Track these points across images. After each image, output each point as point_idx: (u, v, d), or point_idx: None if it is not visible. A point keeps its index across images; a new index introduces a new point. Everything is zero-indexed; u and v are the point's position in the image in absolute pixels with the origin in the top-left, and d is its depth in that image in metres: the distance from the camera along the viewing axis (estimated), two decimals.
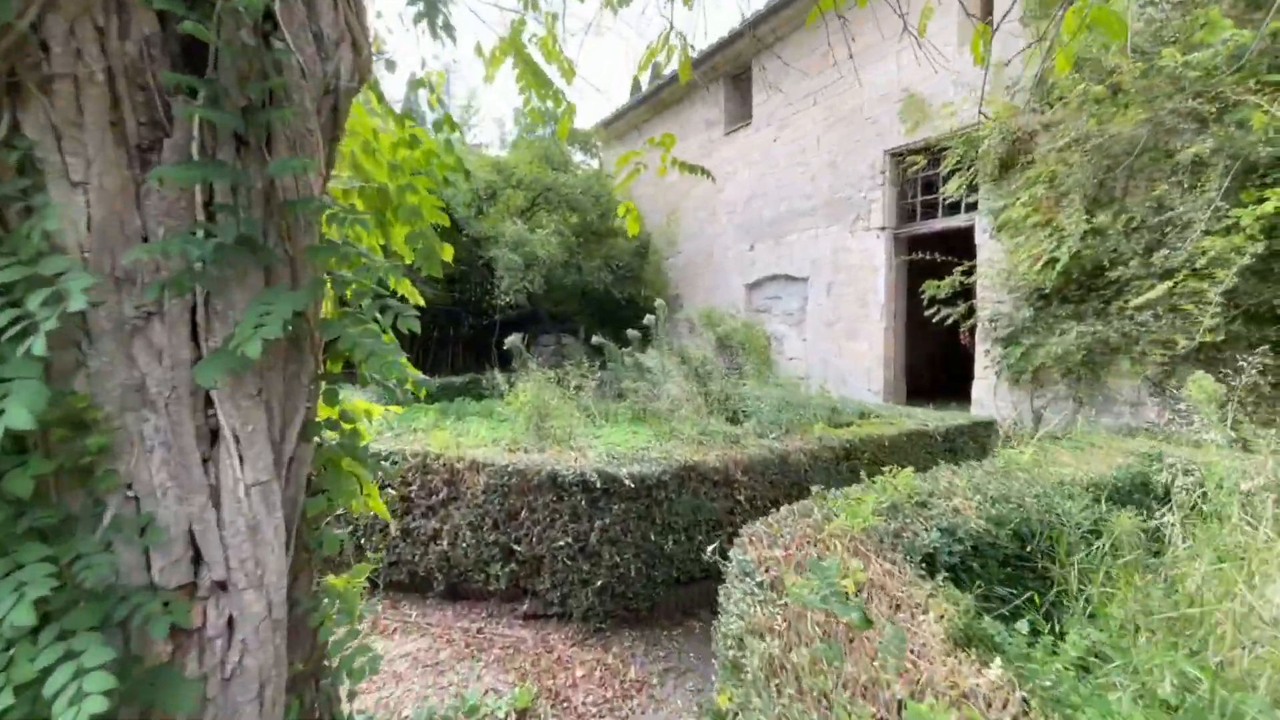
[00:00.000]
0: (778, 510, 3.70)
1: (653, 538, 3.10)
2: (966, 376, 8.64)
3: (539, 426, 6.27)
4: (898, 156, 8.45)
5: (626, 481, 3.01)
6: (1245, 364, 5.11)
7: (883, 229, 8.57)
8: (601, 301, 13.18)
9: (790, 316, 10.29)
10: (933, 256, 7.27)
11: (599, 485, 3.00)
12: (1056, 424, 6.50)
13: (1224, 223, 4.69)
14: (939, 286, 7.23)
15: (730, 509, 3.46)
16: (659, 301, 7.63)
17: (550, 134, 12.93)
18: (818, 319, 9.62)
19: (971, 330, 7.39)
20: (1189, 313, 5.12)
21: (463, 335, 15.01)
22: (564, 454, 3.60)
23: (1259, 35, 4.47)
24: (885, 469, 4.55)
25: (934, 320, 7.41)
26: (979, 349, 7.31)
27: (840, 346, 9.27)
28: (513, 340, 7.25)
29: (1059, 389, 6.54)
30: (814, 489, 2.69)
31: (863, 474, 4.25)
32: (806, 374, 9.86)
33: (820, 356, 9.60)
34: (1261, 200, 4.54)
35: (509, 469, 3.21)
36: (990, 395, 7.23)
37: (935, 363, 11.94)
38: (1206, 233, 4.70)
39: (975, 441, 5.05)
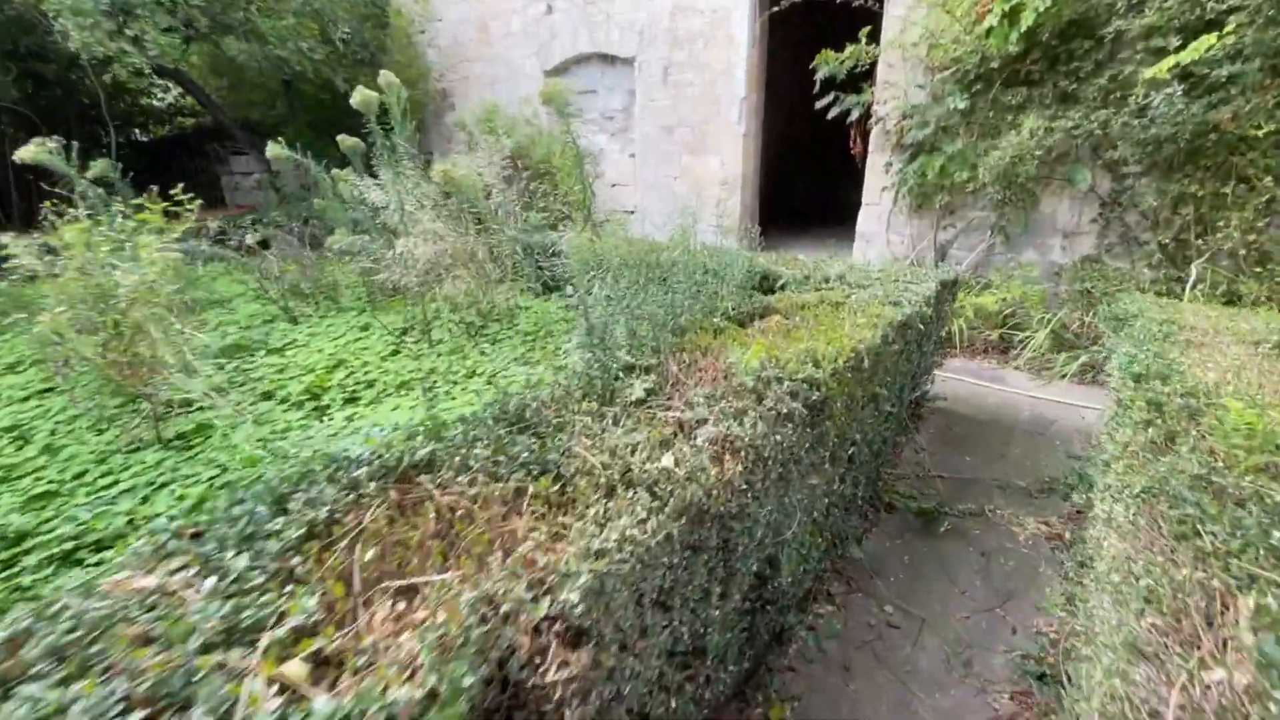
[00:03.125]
0: None
1: None
2: (841, 201, 6.77)
3: (118, 364, 2.77)
4: None
5: None
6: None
7: None
8: (321, 101, 8.49)
9: (611, 121, 7.20)
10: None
11: None
12: (967, 264, 4.89)
13: None
14: (839, 60, 4.72)
15: None
16: (386, 78, 3.98)
17: None
18: (651, 123, 6.70)
19: (865, 135, 5.22)
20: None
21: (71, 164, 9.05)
22: None
23: None
24: (862, 419, 2.21)
25: (825, 115, 5.04)
26: (874, 162, 5.22)
27: (682, 165, 6.61)
28: (30, 152, 3.22)
29: (973, 217, 4.83)
30: None
31: (833, 448, 1.89)
32: (637, 207, 7.18)
33: (654, 180, 6.89)
34: None
35: None
36: (882, 226, 5.36)
37: (795, 182, 9.95)
38: None
39: (938, 315, 3.03)
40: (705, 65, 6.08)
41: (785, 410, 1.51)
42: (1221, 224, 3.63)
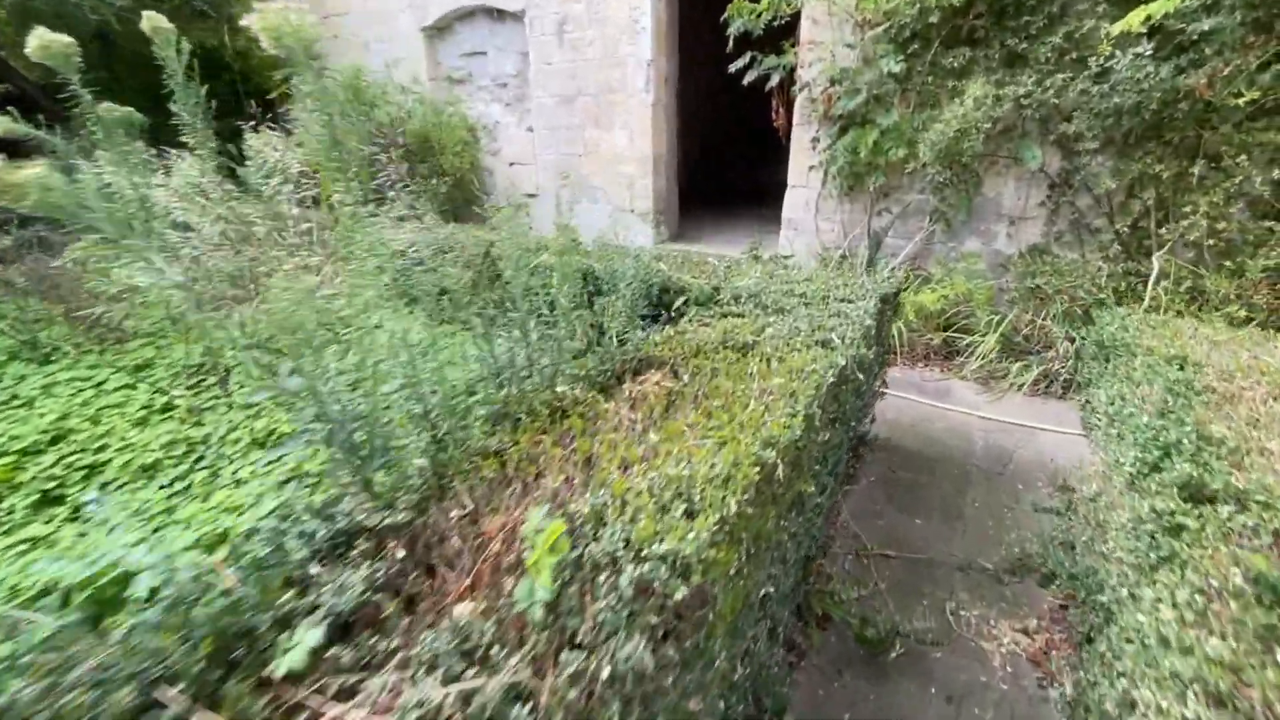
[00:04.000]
0: None
1: None
2: (772, 182, 6.10)
3: None
4: None
5: None
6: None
7: None
8: (152, 62, 6.89)
9: (504, 89, 6.16)
10: None
11: None
12: (904, 255, 4.30)
13: None
14: (755, 12, 3.93)
15: None
16: (153, 21, 2.86)
17: None
18: (548, 90, 5.73)
19: (789, 104, 4.49)
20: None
21: None
22: None
23: None
24: (781, 542, 1.37)
25: (740, 79, 4.26)
26: (800, 137, 4.51)
27: (586, 140, 5.71)
28: None
29: (910, 201, 4.22)
30: None
31: (725, 640, 1.06)
32: (539, 189, 6.23)
33: (557, 159, 5.96)
34: None
35: None
36: (810, 213, 4.69)
37: (725, 161, 9.14)
38: None
39: (880, 340, 2.36)
40: (607, 20, 5.16)
41: (612, 671, 0.73)
42: (1187, 209, 3.14)
